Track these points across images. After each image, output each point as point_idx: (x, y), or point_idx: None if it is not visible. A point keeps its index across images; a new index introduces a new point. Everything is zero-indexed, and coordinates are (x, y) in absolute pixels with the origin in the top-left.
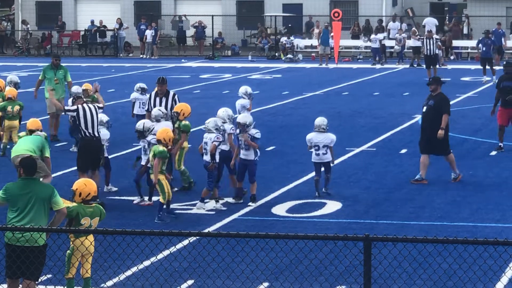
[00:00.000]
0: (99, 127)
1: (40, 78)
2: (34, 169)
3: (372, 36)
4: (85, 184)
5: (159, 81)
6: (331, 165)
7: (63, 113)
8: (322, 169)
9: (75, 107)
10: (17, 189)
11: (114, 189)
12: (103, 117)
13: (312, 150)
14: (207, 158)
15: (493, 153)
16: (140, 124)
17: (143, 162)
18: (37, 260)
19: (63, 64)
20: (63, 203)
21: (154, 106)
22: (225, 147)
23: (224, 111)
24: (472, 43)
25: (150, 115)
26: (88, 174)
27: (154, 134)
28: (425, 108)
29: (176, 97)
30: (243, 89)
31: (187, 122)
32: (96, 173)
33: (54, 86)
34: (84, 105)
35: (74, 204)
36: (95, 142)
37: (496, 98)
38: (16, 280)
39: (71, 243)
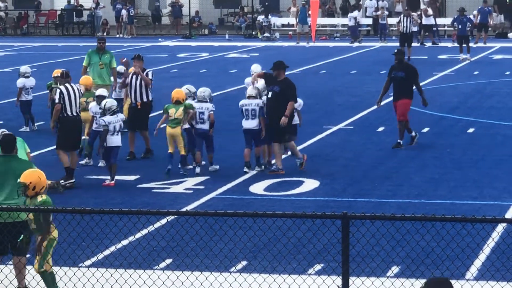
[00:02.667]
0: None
1: (84, 64)
2: (13, 145)
3: (349, 14)
4: (39, 178)
5: (136, 57)
6: (299, 127)
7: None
8: None
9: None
10: None
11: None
12: (191, 88)
13: None
14: (204, 126)
15: (471, 130)
16: (103, 103)
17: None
18: (20, 235)
19: (40, 44)
20: None
21: (131, 83)
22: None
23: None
24: (449, 20)
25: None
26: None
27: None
28: (270, 93)
29: (150, 75)
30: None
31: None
32: (75, 153)
33: (99, 71)
34: (67, 85)
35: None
36: (77, 122)
37: (385, 87)
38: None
39: (51, 234)
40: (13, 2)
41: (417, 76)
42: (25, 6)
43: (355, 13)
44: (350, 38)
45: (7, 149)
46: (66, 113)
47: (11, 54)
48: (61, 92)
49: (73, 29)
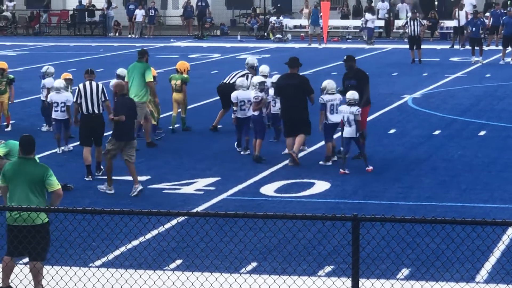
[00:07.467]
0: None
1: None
2: (32, 147)
3: (370, 16)
4: None
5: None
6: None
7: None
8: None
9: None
10: (12, 169)
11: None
12: (254, 80)
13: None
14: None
15: (482, 133)
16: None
17: None
18: (34, 239)
19: (52, 44)
20: (57, 184)
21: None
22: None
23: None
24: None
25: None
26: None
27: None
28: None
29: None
30: (266, 68)
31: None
32: (99, 148)
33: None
34: (86, 82)
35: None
36: (94, 118)
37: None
38: (13, 259)
39: None
40: (24, 1)
41: (367, 82)
42: (37, 5)
43: (370, 15)
44: (364, 40)
45: (25, 151)
46: (81, 111)
47: (23, 53)
48: (78, 90)
49: (85, 29)
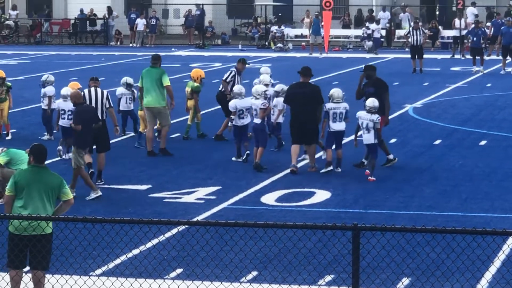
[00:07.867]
0: (104, 110)
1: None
2: (44, 156)
3: (375, 26)
4: None
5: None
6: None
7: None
8: None
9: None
10: (26, 177)
11: None
12: (259, 88)
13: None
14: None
15: (483, 143)
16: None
17: None
18: (44, 249)
19: (53, 53)
20: (71, 194)
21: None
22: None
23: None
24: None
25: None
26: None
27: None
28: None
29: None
30: (267, 77)
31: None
32: (102, 155)
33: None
34: (92, 89)
35: None
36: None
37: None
38: (20, 270)
39: None
40: (26, 10)
41: (387, 92)
42: (39, 14)
43: (375, 25)
44: (365, 50)
45: (39, 159)
46: None
47: (24, 62)
48: (83, 96)
49: (87, 38)
